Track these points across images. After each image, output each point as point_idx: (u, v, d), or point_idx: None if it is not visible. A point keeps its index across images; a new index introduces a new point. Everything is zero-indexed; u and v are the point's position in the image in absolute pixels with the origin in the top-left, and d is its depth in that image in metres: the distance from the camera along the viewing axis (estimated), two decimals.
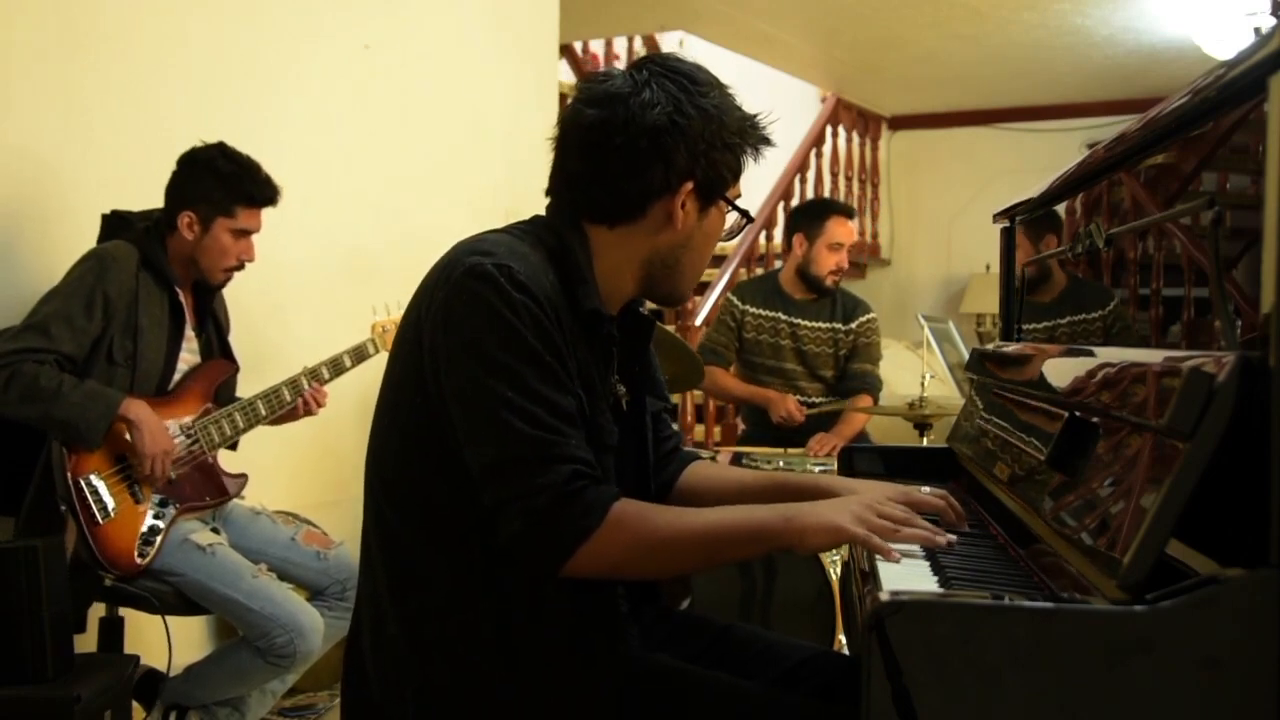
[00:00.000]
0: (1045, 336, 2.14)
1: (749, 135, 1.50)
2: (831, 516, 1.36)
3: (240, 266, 2.58)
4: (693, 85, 1.46)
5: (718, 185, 1.49)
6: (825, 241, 3.78)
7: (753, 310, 3.88)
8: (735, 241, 5.82)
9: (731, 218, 1.54)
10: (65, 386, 2.26)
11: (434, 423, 1.39)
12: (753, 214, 1.60)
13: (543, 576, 1.37)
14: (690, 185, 1.46)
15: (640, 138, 1.43)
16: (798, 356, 3.85)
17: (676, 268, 1.52)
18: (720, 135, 1.46)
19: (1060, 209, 2.13)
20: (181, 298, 2.53)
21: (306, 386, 2.66)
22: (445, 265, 1.42)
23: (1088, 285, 2.02)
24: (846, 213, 3.90)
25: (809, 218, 3.87)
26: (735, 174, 1.50)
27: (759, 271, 5.71)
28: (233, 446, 2.67)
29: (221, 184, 2.50)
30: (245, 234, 2.55)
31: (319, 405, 2.69)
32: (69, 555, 2.24)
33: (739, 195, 1.53)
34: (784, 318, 3.85)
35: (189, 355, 2.57)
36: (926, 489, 1.54)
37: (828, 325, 3.84)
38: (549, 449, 1.32)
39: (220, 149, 2.53)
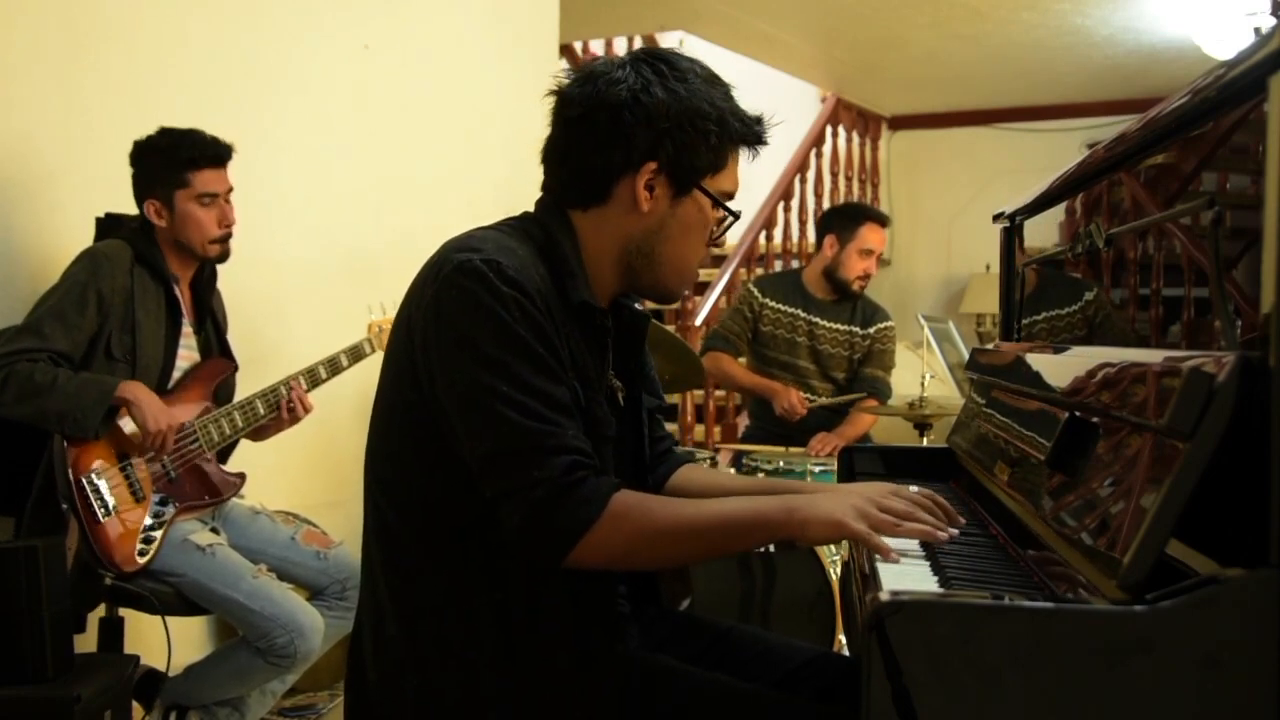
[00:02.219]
0: (1024, 333, 2.15)
1: (729, 126, 1.46)
2: (833, 510, 1.36)
3: (228, 234, 2.55)
4: (669, 70, 1.45)
5: (689, 172, 1.46)
6: (857, 246, 3.79)
7: (772, 304, 3.89)
8: (734, 241, 5.85)
9: (711, 211, 1.50)
10: (60, 378, 2.26)
11: (429, 420, 1.39)
12: (741, 212, 1.55)
13: (545, 569, 1.37)
14: (654, 166, 1.44)
15: (600, 111, 1.44)
16: (812, 355, 3.85)
17: (653, 257, 1.49)
18: (687, 118, 1.43)
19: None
20: (178, 294, 2.53)
21: (304, 386, 2.64)
22: (435, 263, 1.43)
23: (1061, 280, 2.02)
24: (881, 220, 3.90)
25: (844, 220, 3.87)
26: (711, 163, 1.47)
27: (759, 271, 5.71)
28: (223, 457, 2.66)
29: (164, 159, 2.49)
30: (213, 197, 2.52)
31: (305, 410, 2.64)
32: (72, 556, 2.24)
33: (729, 191, 1.50)
34: (803, 315, 3.86)
35: (188, 353, 2.57)
36: (914, 488, 1.53)
37: (845, 328, 3.85)
38: (545, 440, 1.32)
39: (158, 132, 2.52)
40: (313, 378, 2.68)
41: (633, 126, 1.43)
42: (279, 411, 2.61)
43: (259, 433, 2.66)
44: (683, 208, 1.48)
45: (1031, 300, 2.16)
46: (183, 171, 2.49)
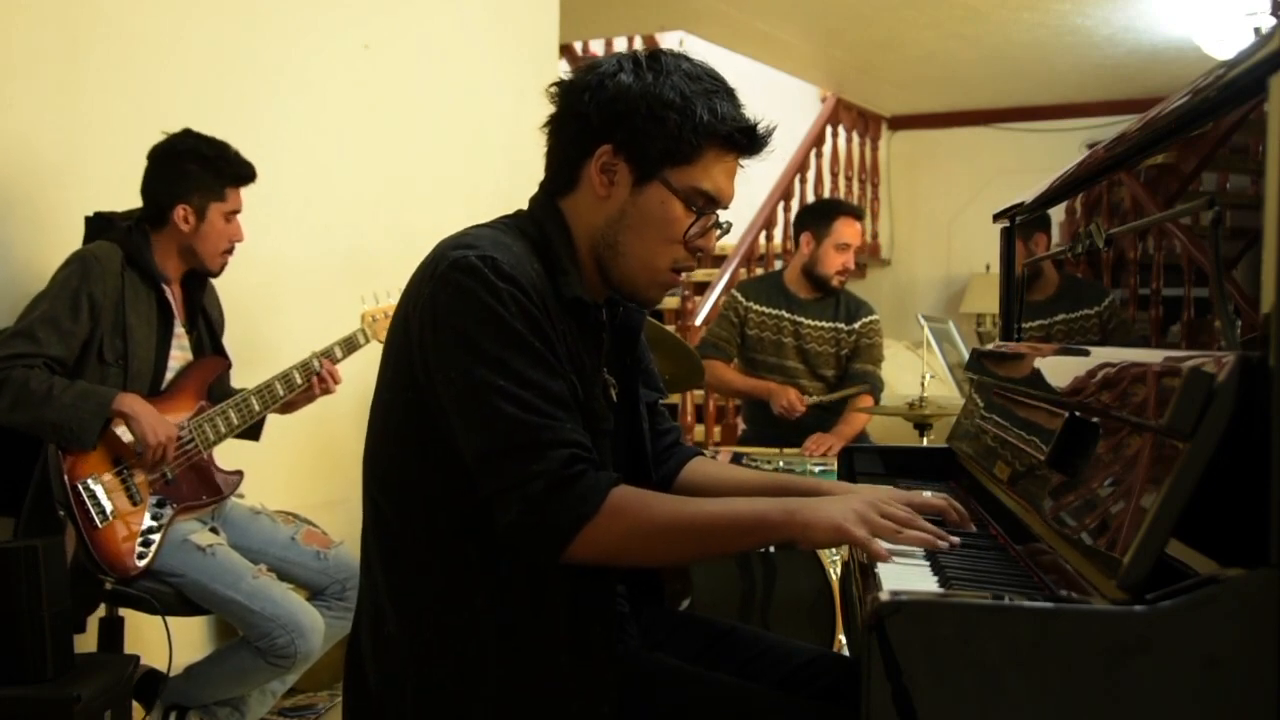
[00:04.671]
0: (1041, 335, 2.15)
1: (693, 116, 1.41)
2: (834, 515, 1.36)
3: (232, 249, 2.59)
4: (651, 63, 1.45)
5: (645, 157, 1.43)
6: (833, 242, 3.80)
7: (756, 307, 3.89)
8: (734, 241, 5.85)
9: (677, 206, 1.44)
10: (56, 388, 2.25)
11: (427, 418, 1.39)
12: (718, 214, 1.49)
13: (541, 564, 1.36)
14: (609, 148, 1.43)
15: (569, 94, 1.46)
16: (800, 355, 3.85)
17: (617, 248, 1.47)
18: (645, 102, 1.41)
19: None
20: (169, 295, 2.53)
21: (299, 380, 2.64)
22: (431, 261, 1.43)
23: (1082, 283, 2.02)
24: (855, 214, 3.91)
25: (817, 217, 3.87)
26: (671, 152, 1.42)
27: (759, 271, 5.71)
28: (255, 436, 2.67)
29: (208, 170, 2.52)
30: (234, 214, 2.57)
31: (335, 381, 2.68)
32: (69, 560, 2.24)
33: (706, 191, 1.45)
34: (787, 315, 3.86)
35: (180, 353, 2.57)
36: (929, 493, 1.53)
37: (830, 325, 3.85)
38: (542, 434, 1.32)
39: (191, 135, 2.54)
40: (306, 371, 2.67)
41: (589, 106, 1.44)
42: (311, 383, 2.63)
43: (287, 406, 2.67)
44: (643, 197, 1.45)
45: (1051, 302, 2.15)
46: (224, 186, 2.54)
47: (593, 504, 1.32)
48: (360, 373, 2.79)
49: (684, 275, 1.54)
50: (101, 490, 2.34)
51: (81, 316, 2.34)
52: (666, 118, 1.41)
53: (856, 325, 3.86)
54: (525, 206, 1.56)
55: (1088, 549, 1.20)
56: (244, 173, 2.57)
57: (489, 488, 1.34)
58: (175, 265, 2.56)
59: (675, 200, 1.45)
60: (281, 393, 2.62)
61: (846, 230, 3.81)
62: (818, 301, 3.87)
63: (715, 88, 1.45)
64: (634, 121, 1.42)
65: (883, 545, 1.34)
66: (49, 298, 2.34)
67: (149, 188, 2.53)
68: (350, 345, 2.77)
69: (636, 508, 1.35)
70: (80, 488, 2.31)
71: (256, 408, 2.59)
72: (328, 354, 2.72)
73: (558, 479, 1.31)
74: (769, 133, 1.49)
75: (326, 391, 2.69)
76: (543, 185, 1.54)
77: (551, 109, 1.51)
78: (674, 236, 1.47)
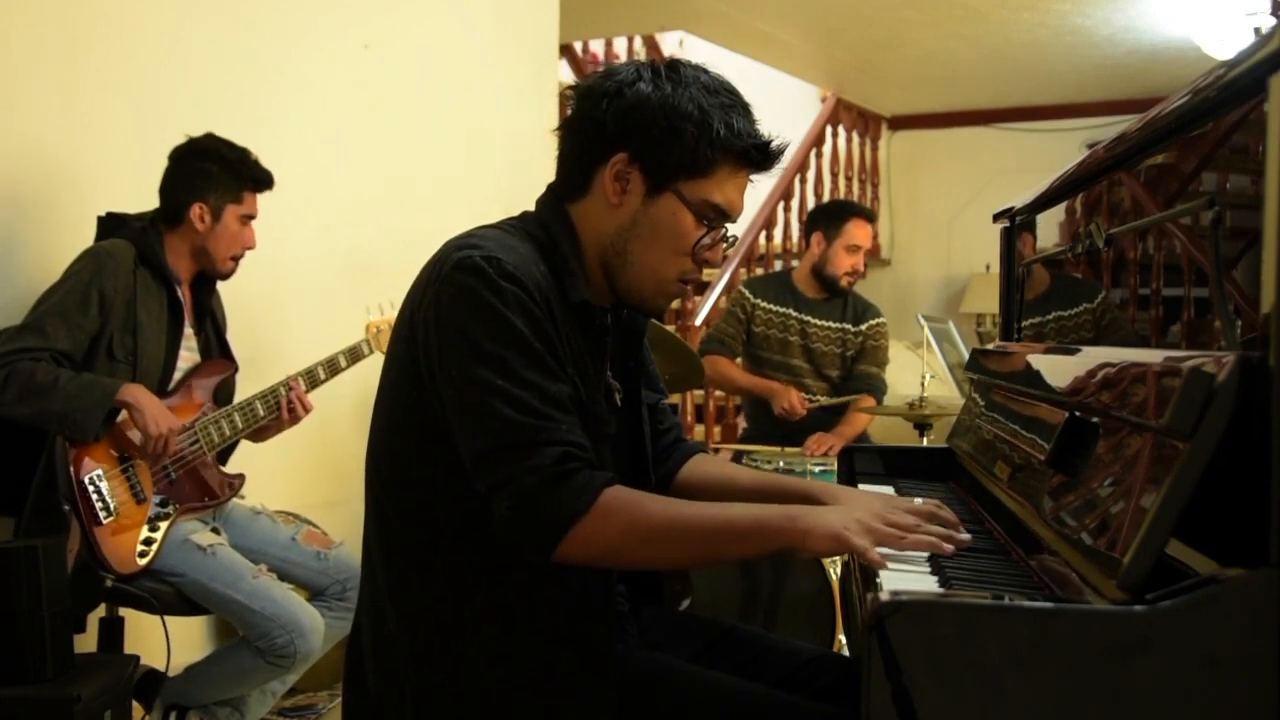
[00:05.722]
0: (1033, 334, 2.15)
1: (710, 129, 1.42)
2: (835, 524, 1.34)
3: (242, 255, 2.60)
4: (670, 73, 1.45)
5: (659, 168, 1.43)
6: (843, 243, 3.81)
7: (764, 305, 3.90)
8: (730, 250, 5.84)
9: (689, 218, 1.45)
10: (62, 379, 2.26)
11: (430, 418, 1.39)
12: (728, 229, 1.50)
13: (534, 561, 1.36)
14: (624, 156, 1.43)
15: (586, 99, 1.46)
16: (805, 354, 3.86)
17: (626, 257, 1.47)
18: (663, 112, 1.42)
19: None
20: (181, 295, 2.54)
21: (303, 386, 2.64)
22: (436, 261, 1.43)
23: (1072, 281, 2.03)
24: (867, 216, 3.92)
25: (829, 218, 3.88)
26: (686, 164, 1.43)
27: (759, 271, 5.72)
28: (223, 458, 2.66)
29: (229, 171, 2.54)
30: (249, 219, 2.59)
31: (305, 410, 2.65)
32: (73, 558, 2.24)
33: (717, 205, 1.45)
34: (794, 314, 3.87)
35: (188, 354, 2.58)
36: (919, 500, 1.52)
37: (837, 325, 3.86)
38: (537, 434, 1.32)
39: (214, 138, 2.56)
40: (311, 379, 2.68)
41: (606, 113, 1.43)
42: (279, 412, 2.61)
43: (259, 434, 2.66)
44: (655, 207, 1.45)
45: (1041, 301, 2.16)
46: (242, 189, 2.56)
47: (585, 501, 1.31)
48: (361, 374, 2.79)
49: (690, 286, 1.54)
50: (106, 486, 2.34)
51: (91, 311, 2.35)
52: (684, 130, 1.42)
53: (863, 327, 3.87)
54: (530, 208, 1.56)
55: (1088, 549, 1.20)
56: (263, 178, 2.60)
57: (484, 485, 1.34)
58: (186, 266, 2.57)
59: (687, 212, 1.45)
60: (285, 396, 2.62)
61: (858, 232, 3.82)
62: (825, 302, 3.88)
63: (732, 102, 1.46)
64: (651, 131, 1.42)
65: (881, 553, 1.33)
66: (59, 292, 2.35)
67: (167, 186, 2.54)
68: (354, 355, 2.78)
69: (630, 507, 1.34)
70: (85, 482, 2.31)
71: (261, 412, 2.60)
72: (332, 362, 2.72)
73: (550, 475, 1.31)
74: (781, 150, 1.50)
75: (295, 420, 2.64)
76: (551, 188, 1.53)
77: (557, 112, 1.51)
78: (683, 248, 1.47)
